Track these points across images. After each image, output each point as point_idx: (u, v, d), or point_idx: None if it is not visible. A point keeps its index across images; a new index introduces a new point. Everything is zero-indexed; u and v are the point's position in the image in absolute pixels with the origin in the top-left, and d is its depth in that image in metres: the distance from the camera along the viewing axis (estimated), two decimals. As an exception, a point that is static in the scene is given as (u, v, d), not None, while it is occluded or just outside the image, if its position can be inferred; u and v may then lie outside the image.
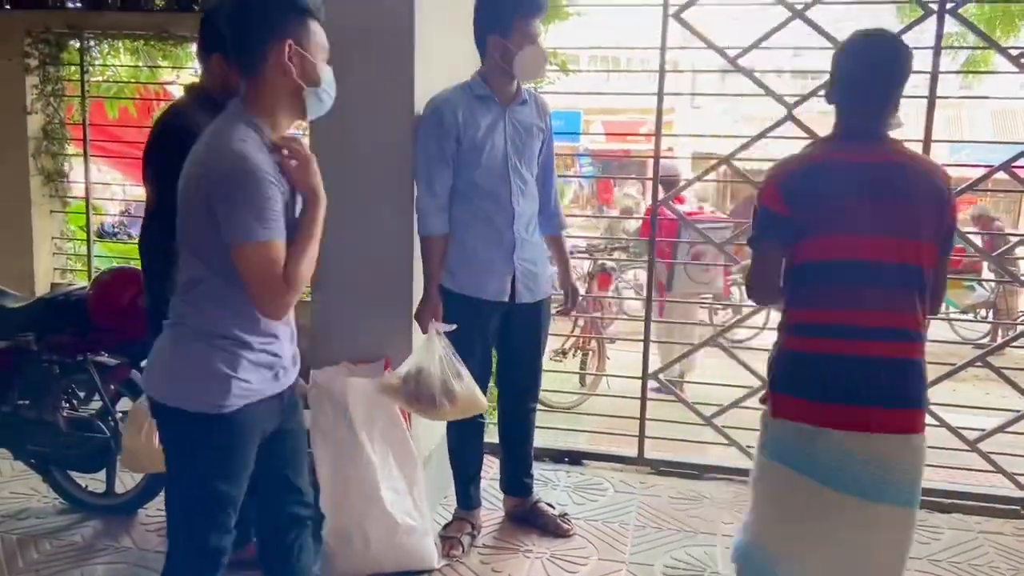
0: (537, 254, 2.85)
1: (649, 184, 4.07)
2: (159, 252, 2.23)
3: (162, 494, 3.01)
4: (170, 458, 1.84)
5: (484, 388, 2.96)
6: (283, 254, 1.69)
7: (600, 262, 6.76)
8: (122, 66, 5.20)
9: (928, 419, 3.41)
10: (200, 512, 1.82)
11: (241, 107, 1.76)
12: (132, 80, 5.31)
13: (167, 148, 2.26)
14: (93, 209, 4.93)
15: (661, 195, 3.88)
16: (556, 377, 5.07)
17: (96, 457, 3.01)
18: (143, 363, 2.75)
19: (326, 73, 1.78)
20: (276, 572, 2.06)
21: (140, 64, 5.09)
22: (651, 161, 3.77)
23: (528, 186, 2.79)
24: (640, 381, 3.78)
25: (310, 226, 1.77)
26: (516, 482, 3.12)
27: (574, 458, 3.80)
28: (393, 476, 2.67)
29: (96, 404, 3.09)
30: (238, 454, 1.81)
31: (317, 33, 1.76)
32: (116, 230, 7.34)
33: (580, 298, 3.08)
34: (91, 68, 4.65)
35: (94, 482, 3.17)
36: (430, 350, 2.57)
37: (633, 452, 3.77)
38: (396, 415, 2.68)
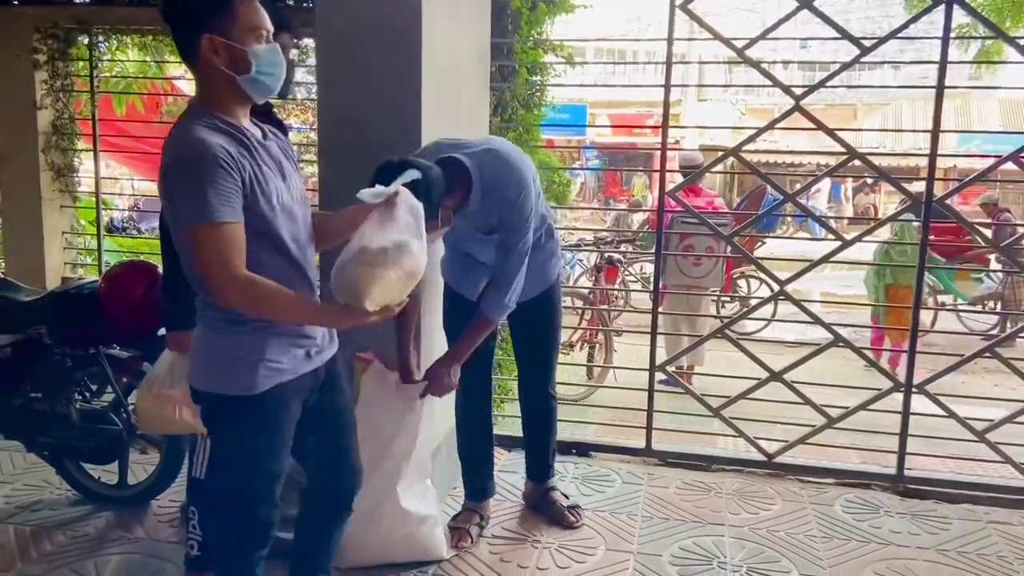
0: (528, 267, 2.68)
1: (656, 176, 4.07)
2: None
3: (174, 485, 3.08)
4: (213, 440, 1.90)
5: (486, 381, 3.01)
6: (239, 237, 1.68)
7: (607, 255, 6.77)
8: (130, 61, 5.22)
9: (936, 410, 3.46)
10: (247, 487, 1.88)
11: (195, 102, 1.78)
12: (140, 75, 5.33)
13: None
14: (103, 204, 4.96)
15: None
16: (564, 369, 5.08)
17: (108, 449, 3.04)
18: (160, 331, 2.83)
19: (261, 55, 1.74)
20: (307, 547, 2.13)
21: (148, 59, 5.10)
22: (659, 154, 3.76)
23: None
24: (647, 373, 3.79)
25: (310, 313, 1.83)
26: (529, 467, 3.17)
27: (582, 450, 3.81)
28: (406, 465, 2.68)
29: (108, 396, 3.12)
30: (275, 431, 1.88)
31: (244, 15, 1.72)
32: (126, 224, 7.39)
33: (443, 388, 2.65)
34: (100, 63, 4.66)
35: (107, 473, 3.19)
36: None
37: (641, 443, 3.78)
38: (413, 402, 2.66)
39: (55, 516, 3.08)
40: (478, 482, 3.06)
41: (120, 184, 6.93)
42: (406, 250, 1.72)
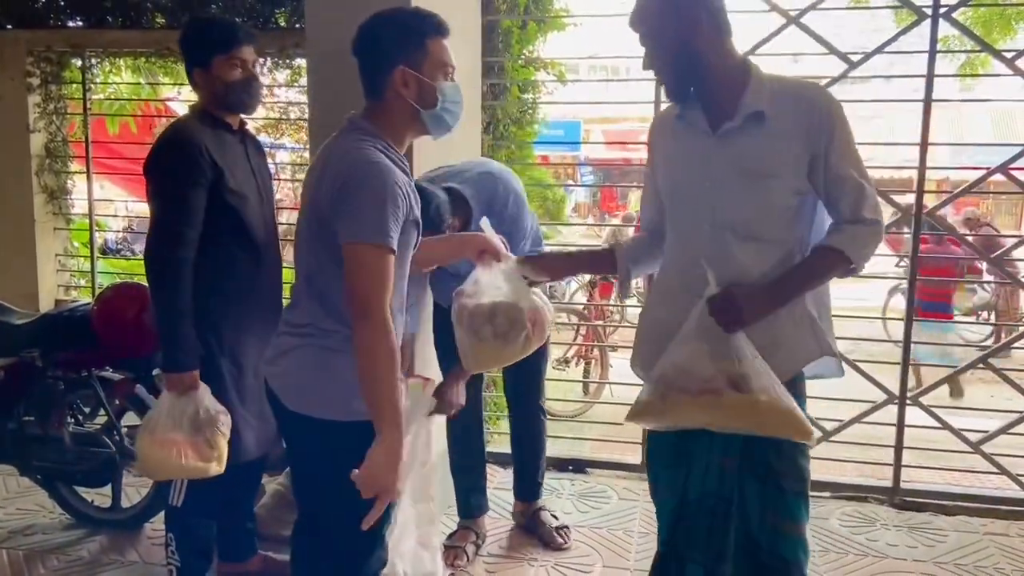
0: None
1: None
2: (164, 264, 2.24)
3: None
4: (332, 468, 1.72)
5: (478, 397, 2.98)
6: (392, 272, 1.70)
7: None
8: (124, 83, 5.24)
9: (931, 421, 3.45)
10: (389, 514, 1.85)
11: (369, 125, 1.78)
12: (133, 97, 5.35)
13: (165, 161, 2.29)
14: (96, 226, 4.96)
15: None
16: (559, 386, 5.08)
17: (102, 472, 3.03)
18: (155, 371, 2.81)
19: (447, 91, 1.80)
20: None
21: (142, 81, 5.12)
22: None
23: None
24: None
25: (388, 403, 1.66)
26: (518, 485, 3.16)
27: (578, 466, 3.80)
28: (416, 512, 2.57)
29: (101, 419, 3.11)
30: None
31: (435, 52, 1.79)
32: (120, 246, 7.39)
33: (453, 410, 2.68)
34: (93, 86, 4.68)
35: (100, 497, 3.18)
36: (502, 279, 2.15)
37: (637, 459, 3.77)
38: (430, 434, 2.55)
39: (49, 540, 3.06)
40: (472, 499, 3.05)
41: (114, 206, 6.92)
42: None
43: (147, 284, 2.30)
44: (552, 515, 3.16)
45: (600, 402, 5.35)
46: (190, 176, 2.25)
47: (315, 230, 1.76)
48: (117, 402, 3.04)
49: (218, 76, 2.34)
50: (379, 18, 1.79)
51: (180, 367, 2.24)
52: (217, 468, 2.30)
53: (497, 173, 2.69)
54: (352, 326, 1.68)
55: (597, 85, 11.03)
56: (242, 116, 2.46)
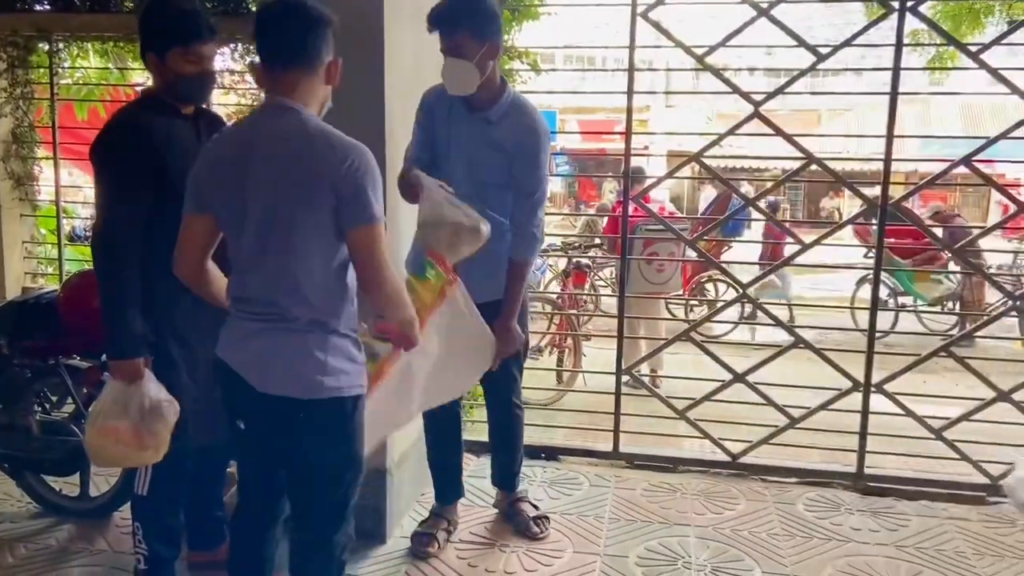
0: (487, 261, 2.64)
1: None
2: (108, 251, 2.24)
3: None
4: (342, 446, 1.98)
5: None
6: None
7: (575, 260, 6.82)
8: (92, 68, 5.16)
9: (894, 408, 3.52)
10: (357, 488, 2.07)
11: (305, 108, 1.92)
12: (102, 82, 5.26)
13: (109, 146, 2.27)
14: (64, 212, 4.88)
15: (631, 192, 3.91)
16: (533, 374, 5.09)
17: (70, 460, 3.00)
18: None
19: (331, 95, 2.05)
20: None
21: (110, 66, 5.05)
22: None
23: (476, 196, 2.64)
24: (614, 377, 3.83)
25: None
26: (495, 475, 3.17)
27: (550, 453, 3.84)
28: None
29: (69, 407, 3.08)
30: None
31: (339, 64, 2.02)
32: (87, 233, 7.28)
33: (518, 345, 2.77)
34: (60, 70, 4.60)
35: (68, 486, 3.15)
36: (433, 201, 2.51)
37: (608, 446, 3.81)
38: (487, 350, 2.71)
39: (16, 529, 3.04)
40: (448, 484, 3.06)
41: (82, 192, 6.82)
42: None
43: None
44: (532, 504, 3.17)
45: (574, 390, 5.38)
46: (134, 162, 2.22)
47: (298, 215, 1.84)
48: (85, 390, 3.00)
49: (172, 67, 2.29)
50: (325, 15, 1.95)
51: (124, 354, 2.23)
52: (153, 457, 2.29)
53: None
54: (387, 300, 1.93)
55: (572, 75, 11.04)
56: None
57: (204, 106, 2.49)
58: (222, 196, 1.92)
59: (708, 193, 15.12)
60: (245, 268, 1.93)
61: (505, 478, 3.16)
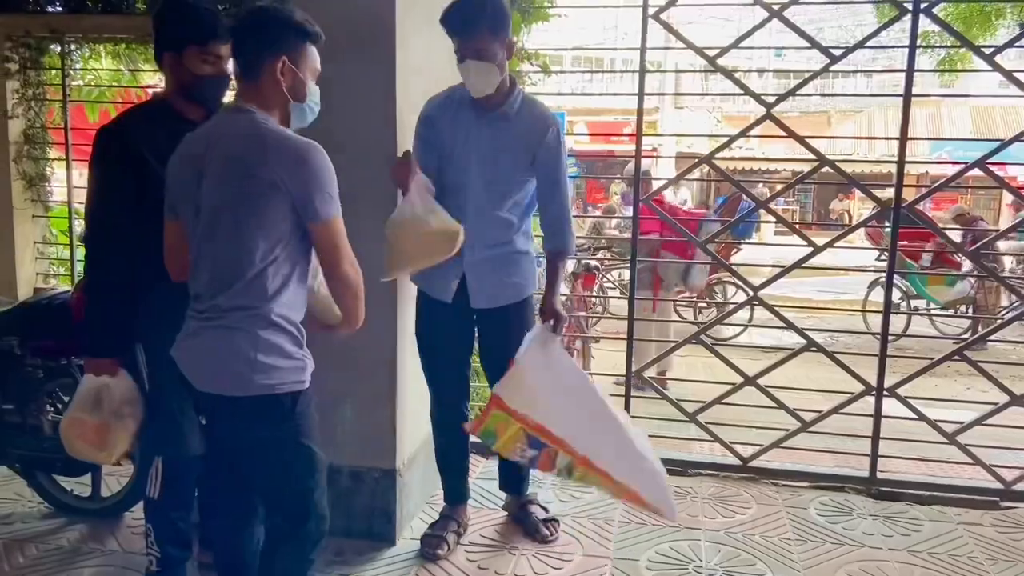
0: (498, 262, 2.77)
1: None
2: (93, 251, 2.31)
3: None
4: (286, 441, 1.98)
5: (463, 384, 2.97)
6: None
7: (584, 262, 6.81)
8: (103, 69, 5.18)
9: (908, 413, 3.50)
10: (321, 481, 2.05)
11: (259, 110, 1.93)
12: (113, 84, 5.29)
13: (100, 148, 2.30)
14: (75, 213, 4.91)
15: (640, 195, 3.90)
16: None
17: (81, 461, 3.00)
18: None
19: (312, 91, 2.00)
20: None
21: (122, 67, 5.07)
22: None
23: (491, 199, 2.72)
24: (624, 379, 3.81)
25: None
26: (504, 479, 3.16)
27: (560, 456, 3.82)
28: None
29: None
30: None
31: (312, 57, 1.99)
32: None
33: (565, 322, 2.78)
34: (72, 72, 4.62)
35: (80, 486, 3.16)
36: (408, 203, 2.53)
37: (618, 449, 3.78)
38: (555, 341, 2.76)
39: (27, 529, 3.05)
40: (457, 485, 3.05)
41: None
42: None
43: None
44: (542, 507, 3.15)
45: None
46: (117, 170, 2.24)
47: (241, 212, 1.86)
48: (97, 391, 3.02)
49: (188, 66, 2.28)
50: (271, 10, 1.96)
51: (98, 352, 2.28)
52: (106, 459, 2.35)
53: None
54: (346, 287, 1.96)
55: (581, 77, 11.03)
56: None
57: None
58: (183, 198, 1.97)
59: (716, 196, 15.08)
60: (195, 267, 1.97)
61: (513, 481, 3.14)
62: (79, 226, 5.37)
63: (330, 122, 2.72)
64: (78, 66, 4.78)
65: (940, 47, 6.29)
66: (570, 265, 6.95)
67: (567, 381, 2.70)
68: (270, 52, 1.91)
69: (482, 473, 3.51)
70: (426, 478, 3.22)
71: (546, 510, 3.16)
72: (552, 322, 2.72)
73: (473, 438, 3.12)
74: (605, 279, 8.14)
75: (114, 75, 5.21)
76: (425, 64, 2.95)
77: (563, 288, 2.93)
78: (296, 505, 2.03)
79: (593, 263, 7.02)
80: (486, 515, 3.21)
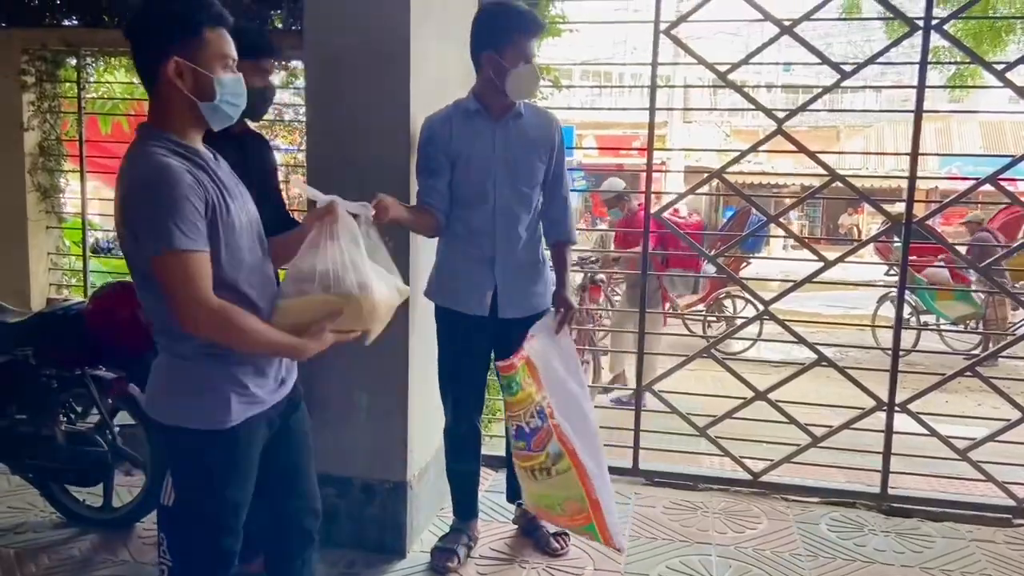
0: (526, 270, 2.82)
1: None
2: None
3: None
4: (177, 474, 1.86)
5: (478, 397, 2.95)
6: (205, 264, 1.64)
7: (591, 274, 6.82)
8: (118, 83, 5.23)
9: (920, 429, 3.49)
10: (211, 520, 1.84)
11: (148, 125, 1.73)
12: (128, 96, 5.34)
13: None
14: (89, 224, 4.95)
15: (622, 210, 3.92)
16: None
17: (94, 471, 3.03)
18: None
19: (226, 83, 1.71)
20: None
21: (136, 81, 5.11)
22: (643, 175, 3.80)
23: (517, 202, 2.76)
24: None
25: (278, 343, 1.74)
26: (511, 490, 3.14)
27: (569, 470, 3.81)
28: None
29: (94, 418, 3.11)
30: (244, 462, 1.83)
31: (214, 43, 1.69)
32: (111, 245, 7.34)
33: (575, 312, 2.89)
34: (87, 85, 4.67)
35: (92, 496, 3.17)
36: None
37: (628, 463, 3.79)
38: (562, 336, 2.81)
39: (40, 539, 3.06)
40: (467, 499, 3.05)
41: (106, 205, 6.90)
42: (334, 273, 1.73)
43: None
44: (547, 532, 3.10)
45: (602, 407, 5.35)
46: None
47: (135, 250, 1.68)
48: (110, 401, 3.04)
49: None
50: (151, 4, 1.71)
51: None
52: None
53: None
54: (193, 332, 1.66)
55: (590, 90, 11.07)
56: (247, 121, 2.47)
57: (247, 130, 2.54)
58: None
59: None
60: None
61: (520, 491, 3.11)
62: (92, 237, 5.42)
63: (344, 137, 2.77)
64: (92, 79, 4.83)
65: (951, 63, 6.30)
66: (577, 278, 6.97)
67: (572, 378, 2.71)
68: (158, 55, 1.66)
69: (491, 486, 3.51)
70: (437, 490, 3.22)
71: (551, 534, 3.11)
72: (564, 311, 2.80)
73: (485, 450, 3.13)
74: (612, 291, 8.14)
75: (127, 88, 5.25)
76: (438, 76, 2.97)
77: (549, 293, 2.92)
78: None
79: (600, 276, 7.03)
80: (496, 528, 3.21)
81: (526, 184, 2.77)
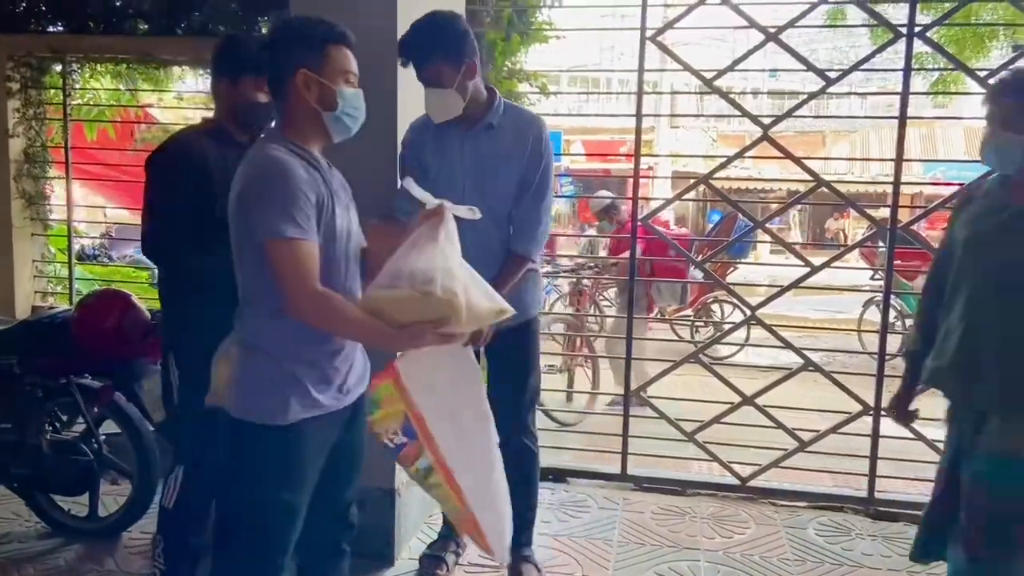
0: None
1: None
2: (159, 252, 2.39)
3: (145, 517, 3.04)
4: (236, 467, 1.90)
5: None
6: (314, 254, 1.77)
7: (577, 281, 6.84)
8: (104, 89, 5.21)
9: (902, 431, 3.50)
10: (263, 525, 1.88)
11: (277, 129, 1.90)
12: (113, 103, 5.32)
13: (158, 165, 2.37)
14: (74, 231, 4.92)
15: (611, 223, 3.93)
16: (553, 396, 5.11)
17: (79, 480, 3.01)
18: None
19: (347, 96, 1.88)
20: None
21: (122, 87, 5.09)
22: (630, 180, 3.82)
23: (489, 217, 2.43)
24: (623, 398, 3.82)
25: (375, 331, 1.82)
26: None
27: (558, 476, 3.82)
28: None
29: (80, 427, 3.09)
30: (299, 466, 1.88)
31: (336, 58, 1.87)
32: (97, 252, 7.32)
33: (484, 332, 2.41)
34: (73, 91, 4.65)
35: (77, 505, 3.15)
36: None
37: (616, 469, 3.80)
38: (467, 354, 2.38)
39: (25, 549, 3.03)
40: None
41: (92, 212, 6.87)
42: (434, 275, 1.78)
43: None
44: (536, 567, 2.88)
45: (585, 412, 5.35)
46: (182, 183, 2.32)
47: (244, 246, 1.84)
48: (96, 410, 3.02)
49: (243, 93, 2.40)
50: (282, 25, 1.93)
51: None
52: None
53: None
54: (297, 318, 1.78)
55: (577, 96, 11.10)
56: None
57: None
58: None
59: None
60: None
61: (517, 534, 2.64)
62: (77, 244, 5.39)
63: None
64: (78, 86, 4.81)
65: (934, 69, 6.36)
66: (565, 286, 6.98)
67: (463, 380, 2.48)
68: (287, 68, 1.84)
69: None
70: (425, 498, 3.20)
71: (539, 570, 2.89)
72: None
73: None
74: (600, 296, 8.15)
75: (113, 94, 5.23)
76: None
77: (539, 300, 2.80)
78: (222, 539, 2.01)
79: (586, 282, 7.04)
80: (485, 535, 3.20)
81: (497, 199, 2.60)
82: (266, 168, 1.78)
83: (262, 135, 1.94)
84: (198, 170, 2.31)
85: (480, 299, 1.88)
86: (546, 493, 3.62)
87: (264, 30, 4.22)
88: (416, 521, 3.19)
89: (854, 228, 19.10)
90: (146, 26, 4.34)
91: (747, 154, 3.79)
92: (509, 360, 2.76)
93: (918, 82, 8.79)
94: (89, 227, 6.13)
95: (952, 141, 19.43)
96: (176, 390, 2.46)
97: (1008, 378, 2.00)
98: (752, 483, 3.66)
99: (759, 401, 3.65)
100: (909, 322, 8.54)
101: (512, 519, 2.63)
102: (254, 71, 2.35)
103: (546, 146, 2.67)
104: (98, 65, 4.70)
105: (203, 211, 2.27)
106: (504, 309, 1.94)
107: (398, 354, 2.20)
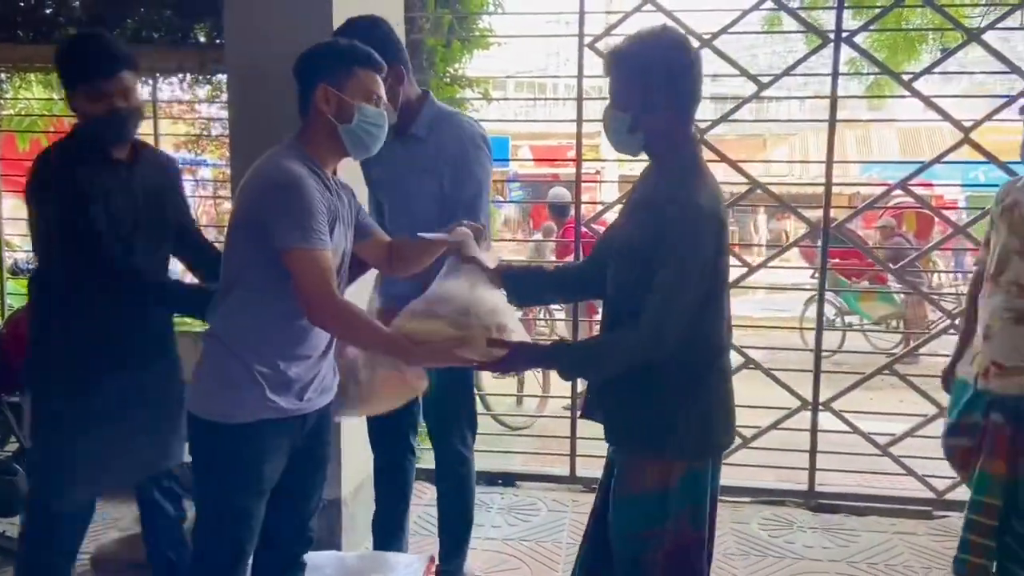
0: (414, 291, 2.10)
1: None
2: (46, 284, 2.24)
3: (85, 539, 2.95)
4: (193, 466, 1.94)
5: (407, 431, 2.77)
6: (331, 264, 1.84)
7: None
8: (35, 99, 5.07)
9: (840, 425, 3.60)
10: (217, 529, 1.92)
11: (295, 141, 1.93)
12: (45, 113, 5.17)
13: (36, 180, 2.16)
14: (6, 245, 4.77)
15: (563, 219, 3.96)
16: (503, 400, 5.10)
17: (12, 500, 2.90)
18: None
19: (367, 112, 1.90)
20: None
21: (54, 96, 4.96)
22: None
23: (402, 227, 2.38)
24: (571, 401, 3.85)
25: (390, 341, 1.86)
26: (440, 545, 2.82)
27: (507, 479, 3.83)
28: None
29: (12, 446, 2.99)
30: (253, 467, 1.88)
31: (364, 80, 1.92)
32: (30, 266, 7.10)
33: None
34: (2, 101, 4.52)
35: (11, 527, 3.05)
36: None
37: (565, 471, 3.82)
38: None
39: (-46, 575, 2.93)
40: (388, 544, 2.81)
41: (24, 225, 6.66)
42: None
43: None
44: None
45: (546, 416, 5.37)
46: (55, 208, 2.12)
47: (237, 239, 1.90)
48: (28, 428, 2.92)
49: (79, 107, 2.10)
50: (316, 45, 1.98)
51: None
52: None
53: None
54: (320, 325, 1.86)
55: (525, 101, 11.14)
56: (133, 142, 2.22)
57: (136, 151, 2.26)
58: None
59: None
60: None
61: (448, 552, 2.75)
62: (9, 258, 5.22)
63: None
64: (8, 96, 4.68)
65: (864, 74, 6.54)
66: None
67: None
68: (311, 84, 1.90)
69: (430, 500, 3.48)
70: (372, 508, 3.18)
71: None
72: None
73: (424, 464, 3.08)
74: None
75: (46, 104, 5.09)
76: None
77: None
78: (196, 541, 2.03)
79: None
80: (433, 543, 3.18)
81: (420, 213, 2.42)
82: (288, 179, 1.81)
83: (285, 141, 1.93)
84: (72, 195, 2.07)
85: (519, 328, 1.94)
86: (496, 497, 3.63)
87: (201, 37, 4.16)
88: (364, 532, 3.16)
89: (795, 229, 19.51)
90: (74, 35, 4.23)
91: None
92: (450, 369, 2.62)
93: (853, 86, 9.04)
94: (23, 240, 5.93)
95: (887, 142, 19.97)
96: (29, 429, 2.33)
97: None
98: (697, 481, 3.71)
99: (702, 400, 3.70)
100: (848, 319, 8.79)
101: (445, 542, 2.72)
102: (85, 78, 2.07)
103: (475, 163, 2.47)
104: (28, 74, 4.58)
105: (77, 236, 2.08)
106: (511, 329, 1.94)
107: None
